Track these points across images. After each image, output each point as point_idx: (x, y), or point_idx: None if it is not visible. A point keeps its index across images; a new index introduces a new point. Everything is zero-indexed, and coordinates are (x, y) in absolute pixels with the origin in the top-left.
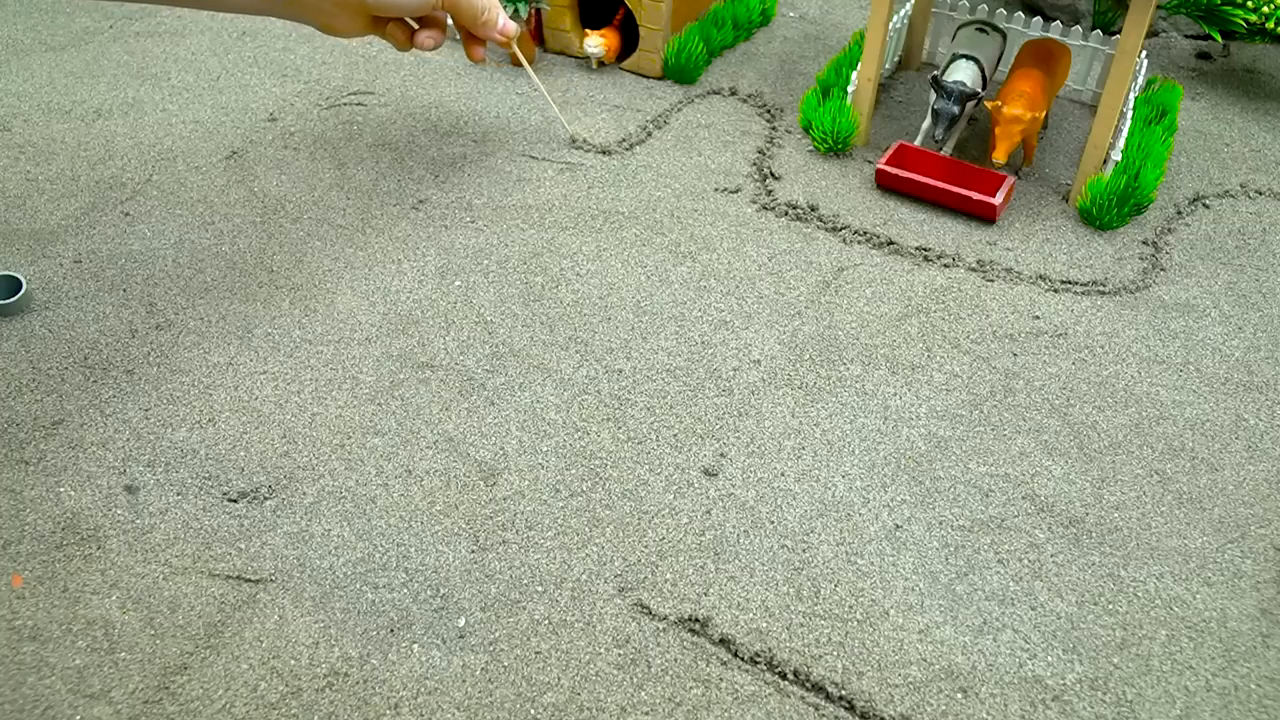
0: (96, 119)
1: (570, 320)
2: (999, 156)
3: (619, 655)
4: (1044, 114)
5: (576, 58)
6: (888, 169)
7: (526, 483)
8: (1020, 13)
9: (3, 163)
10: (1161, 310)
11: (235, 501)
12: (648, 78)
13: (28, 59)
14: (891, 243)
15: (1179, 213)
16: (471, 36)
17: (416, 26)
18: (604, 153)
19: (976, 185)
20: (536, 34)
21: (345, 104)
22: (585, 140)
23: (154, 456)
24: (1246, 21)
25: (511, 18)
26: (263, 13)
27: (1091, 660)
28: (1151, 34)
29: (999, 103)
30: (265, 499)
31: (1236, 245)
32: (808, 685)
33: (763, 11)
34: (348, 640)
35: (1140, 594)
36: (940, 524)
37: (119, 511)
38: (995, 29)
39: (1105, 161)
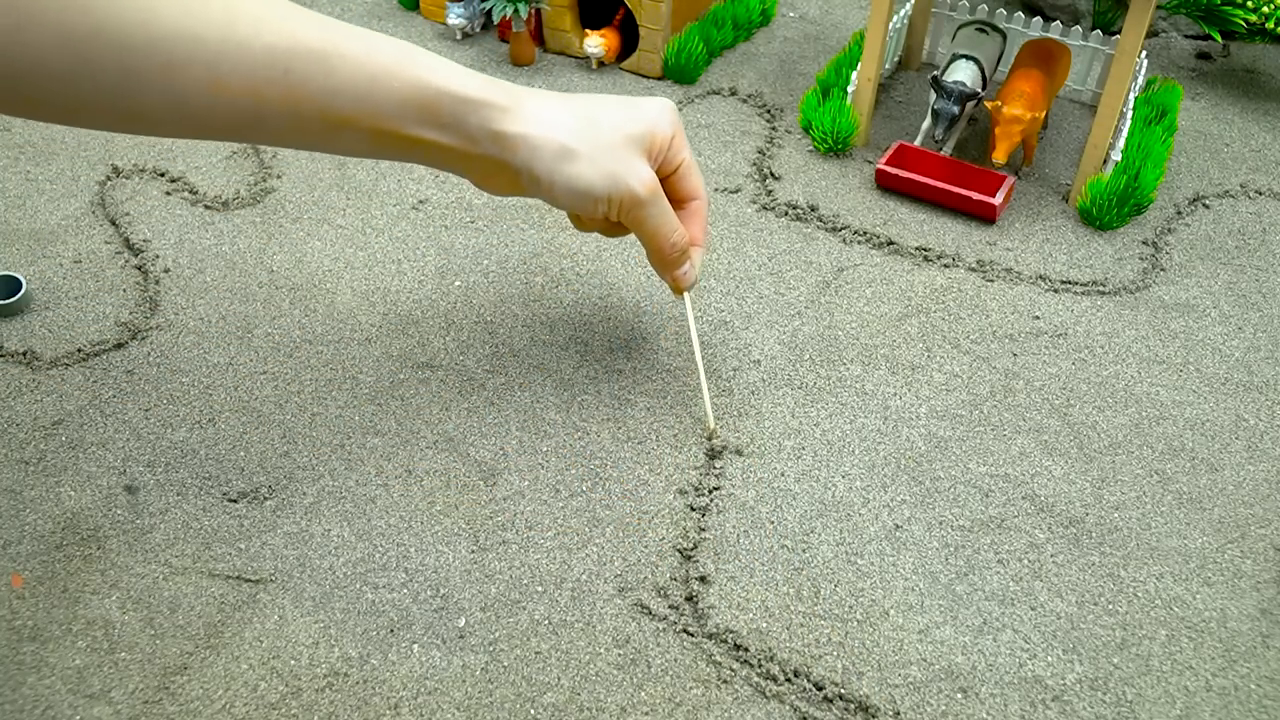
0: None
1: (570, 320)
2: (999, 156)
3: (619, 655)
4: (1044, 114)
5: (576, 58)
6: (888, 169)
7: (526, 483)
8: (1020, 13)
9: (3, 163)
10: (1161, 310)
11: (235, 501)
12: (648, 78)
13: None
14: (891, 243)
15: (1179, 213)
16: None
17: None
18: None
19: (976, 185)
20: (536, 34)
21: None
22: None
23: (154, 456)
24: (1246, 21)
25: (512, 18)
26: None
27: (1091, 660)
28: (1151, 34)
29: (999, 103)
30: (265, 499)
31: (1236, 245)
32: (808, 685)
33: (763, 11)
34: (348, 640)
35: (1140, 594)
36: (940, 524)
37: (119, 512)
38: (995, 29)
39: (1105, 161)
